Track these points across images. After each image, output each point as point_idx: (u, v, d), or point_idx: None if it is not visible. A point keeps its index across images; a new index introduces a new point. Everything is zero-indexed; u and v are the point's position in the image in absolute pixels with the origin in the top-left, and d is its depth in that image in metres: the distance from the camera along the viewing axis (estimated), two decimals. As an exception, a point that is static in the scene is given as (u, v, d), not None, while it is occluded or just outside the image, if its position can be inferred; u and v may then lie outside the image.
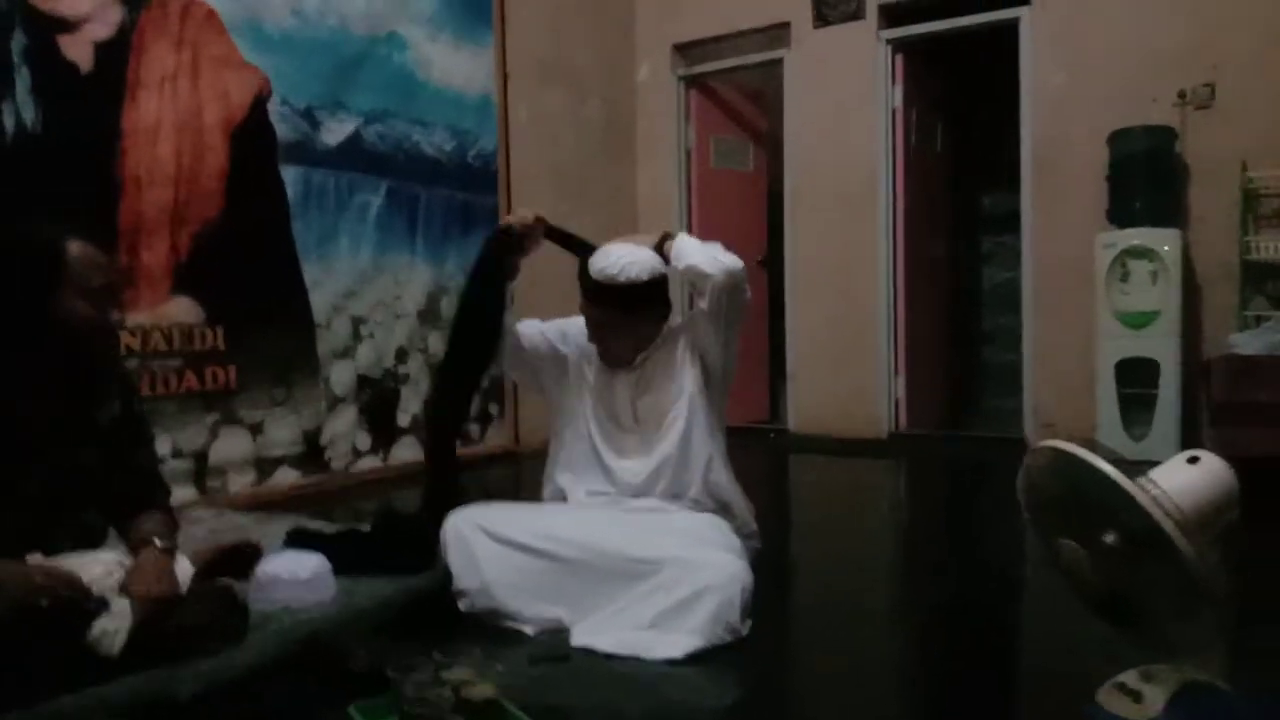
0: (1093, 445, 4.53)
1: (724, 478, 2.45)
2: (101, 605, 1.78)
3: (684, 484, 2.40)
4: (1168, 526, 1.51)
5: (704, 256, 2.33)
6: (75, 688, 1.69)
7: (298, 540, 2.64)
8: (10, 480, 1.81)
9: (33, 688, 1.65)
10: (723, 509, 2.42)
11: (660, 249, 2.41)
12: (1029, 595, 2.83)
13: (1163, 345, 4.47)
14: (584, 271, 2.44)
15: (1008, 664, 2.34)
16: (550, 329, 2.60)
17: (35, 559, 1.81)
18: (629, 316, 2.43)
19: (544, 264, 2.74)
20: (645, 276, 2.38)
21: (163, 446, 3.34)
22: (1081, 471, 1.58)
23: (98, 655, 1.75)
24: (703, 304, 2.38)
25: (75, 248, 1.82)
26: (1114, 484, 1.54)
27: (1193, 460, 1.61)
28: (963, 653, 2.30)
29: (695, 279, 2.35)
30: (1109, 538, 1.58)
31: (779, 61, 5.83)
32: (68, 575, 1.74)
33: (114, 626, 1.77)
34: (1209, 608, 1.52)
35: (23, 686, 1.64)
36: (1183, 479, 1.59)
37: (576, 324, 2.57)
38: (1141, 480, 1.58)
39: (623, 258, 2.39)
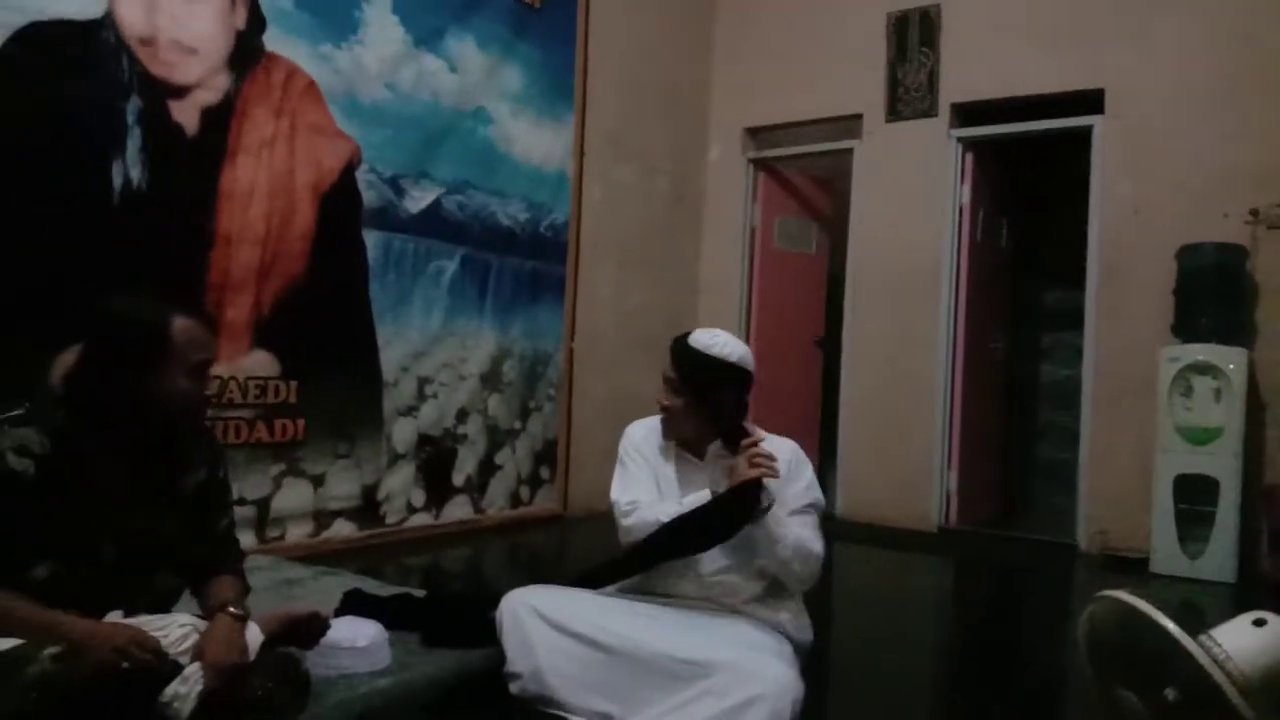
0: (1147, 566, 4.48)
1: (791, 612, 2.46)
2: (175, 669, 1.85)
3: (747, 598, 2.43)
4: (1228, 689, 1.51)
5: (792, 567, 2.34)
6: (145, 750, 1.76)
7: (354, 603, 2.72)
8: (97, 543, 1.90)
9: (106, 748, 1.72)
10: (779, 624, 2.44)
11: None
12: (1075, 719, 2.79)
13: (1224, 464, 4.41)
14: (681, 338, 2.48)
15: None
16: (643, 466, 2.55)
17: (115, 618, 1.89)
18: (701, 389, 2.41)
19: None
20: (734, 358, 2.42)
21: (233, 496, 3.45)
22: (1145, 625, 1.59)
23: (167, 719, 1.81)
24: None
25: (179, 324, 1.91)
26: (1176, 642, 1.55)
27: (1259, 623, 1.61)
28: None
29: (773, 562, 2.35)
30: (1170, 694, 1.58)
31: (849, 151, 5.92)
32: (150, 639, 1.81)
33: (185, 690, 1.82)
34: (1268, 775, 1.52)
35: (97, 746, 1.71)
36: (1247, 641, 1.59)
37: (640, 438, 2.59)
38: (1204, 639, 1.58)
39: (722, 337, 2.44)
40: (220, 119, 3.62)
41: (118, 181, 3.29)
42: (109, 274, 3.12)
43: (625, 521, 2.46)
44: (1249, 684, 1.54)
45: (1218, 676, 1.51)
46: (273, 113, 3.78)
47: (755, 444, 2.29)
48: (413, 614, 2.65)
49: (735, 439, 2.35)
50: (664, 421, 2.51)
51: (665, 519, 2.36)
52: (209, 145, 3.59)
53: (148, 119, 3.37)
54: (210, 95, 3.59)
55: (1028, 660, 3.40)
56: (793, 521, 2.34)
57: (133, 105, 3.33)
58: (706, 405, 2.43)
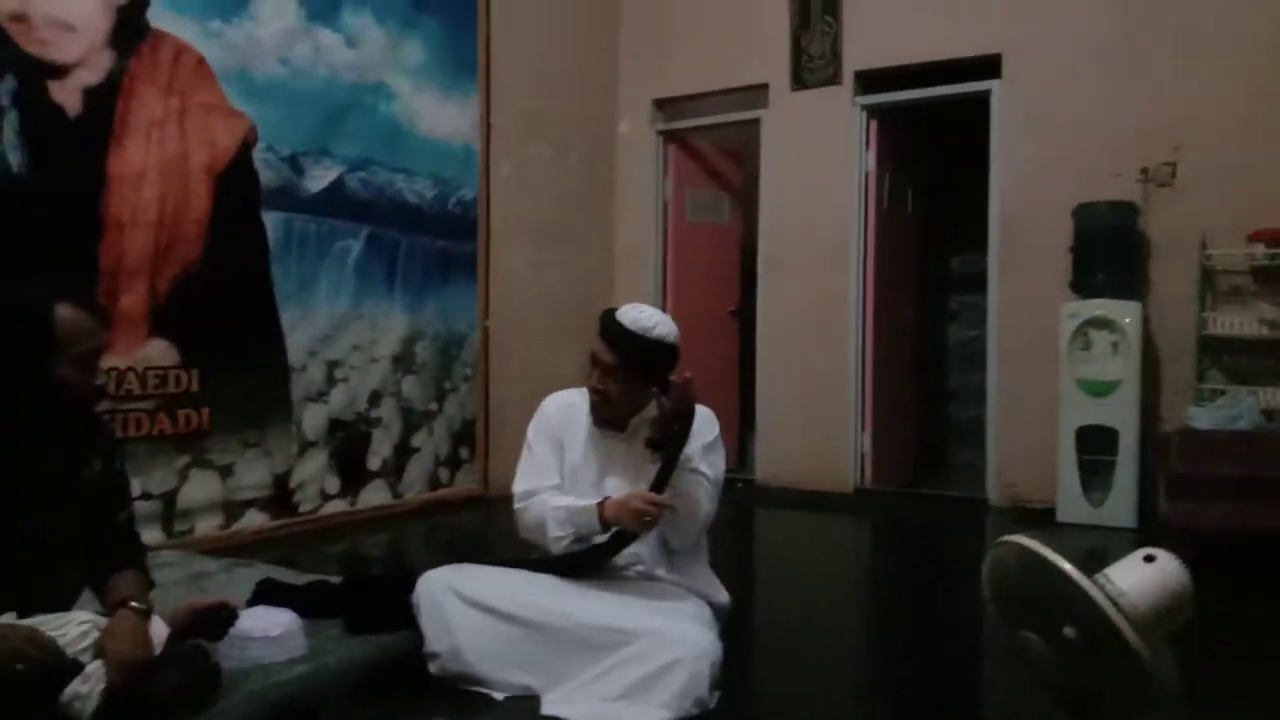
0: (1054, 515, 4.65)
1: (700, 578, 2.49)
2: (75, 668, 1.79)
3: (657, 576, 2.45)
4: (1121, 623, 1.57)
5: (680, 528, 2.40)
6: (46, 753, 1.70)
7: (267, 592, 2.66)
8: (-8, 545, 1.83)
9: (4, 753, 1.66)
10: (694, 588, 2.46)
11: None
12: (991, 669, 2.87)
13: (1122, 414, 4.58)
14: (609, 315, 2.45)
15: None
16: (550, 451, 2.56)
17: (10, 619, 1.82)
18: (634, 370, 2.40)
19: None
20: (671, 338, 2.42)
21: (132, 489, 3.34)
22: (1043, 567, 1.64)
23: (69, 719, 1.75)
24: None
25: (63, 313, 1.84)
26: (1072, 581, 1.60)
27: (1149, 559, 1.67)
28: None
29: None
30: (1069, 632, 1.64)
31: (756, 121, 5.95)
32: (45, 639, 1.75)
33: (87, 690, 1.77)
34: (1163, 704, 1.58)
35: (-6, 751, 1.65)
36: (1138, 577, 1.65)
37: (554, 413, 2.59)
38: (1098, 577, 1.64)
39: (656, 315, 2.43)
40: (105, 99, 3.47)
41: (-5, 166, 3.14)
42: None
43: (519, 518, 2.50)
44: (1142, 618, 1.60)
45: (1111, 613, 1.57)
46: (162, 92, 3.64)
47: (654, 502, 2.30)
48: (329, 600, 2.61)
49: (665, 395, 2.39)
50: (595, 405, 2.49)
51: (553, 526, 2.39)
52: (94, 127, 3.43)
53: (25, 100, 3.22)
54: (92, 75, 3.43)
55: (942, 611, 3.50)
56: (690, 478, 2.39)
57: (7, 85, 3.17)
58: (645, 386, 2.43)
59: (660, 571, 2.45)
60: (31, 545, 1.87)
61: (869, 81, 5.63)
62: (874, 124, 5.63)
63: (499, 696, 2.25)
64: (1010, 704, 2.45)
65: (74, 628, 1.85)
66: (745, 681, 2.54)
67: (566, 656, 2.21)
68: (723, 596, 2.54)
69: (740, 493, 5.74)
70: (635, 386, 2.43)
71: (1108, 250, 4.70)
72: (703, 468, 2.41)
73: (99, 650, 1.82)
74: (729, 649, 2.29)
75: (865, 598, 3.86)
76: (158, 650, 1.91)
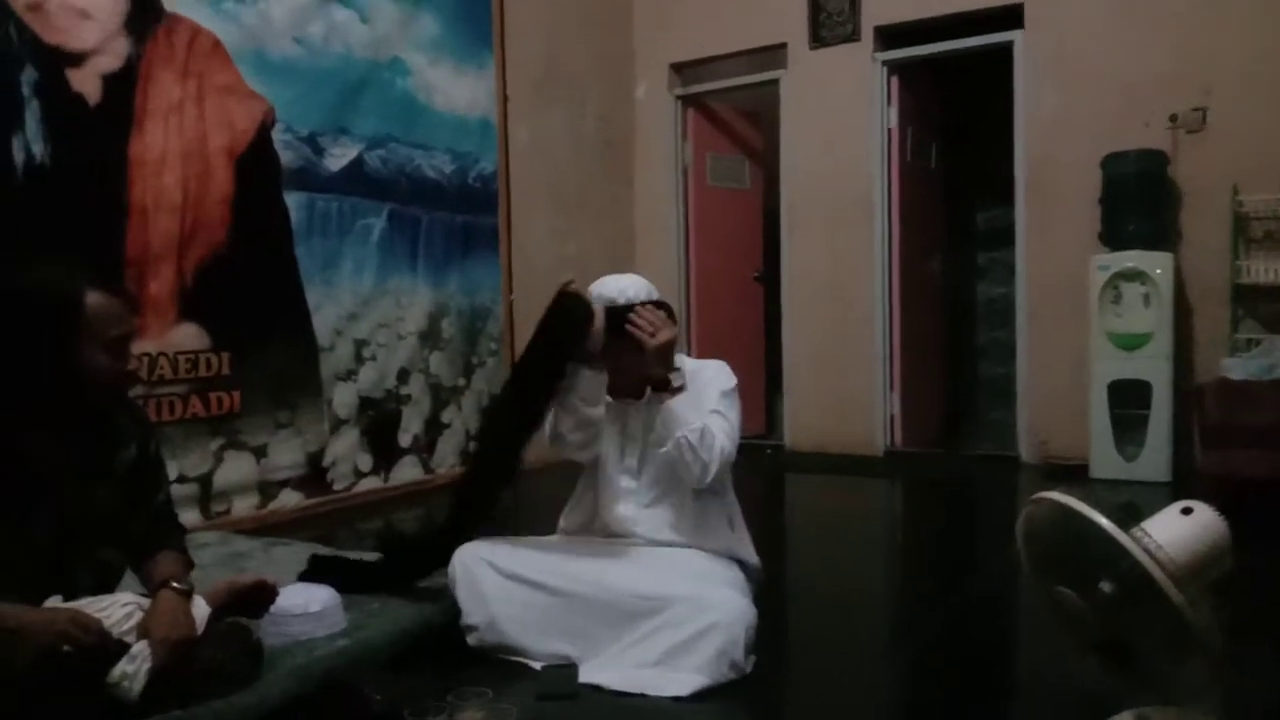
0: (1087, 471, 4.61)
1: (730, 538, 2.48)
2: (121, 649, 1.82)
3: (689, 543, 2.45)
4: (1160, 577, 1.56)
5: (689, 459, 2.31)
6: (96, 732, 1.73)
7: (319, 568, 2.66)
8: (29, 527, 1.85)
9: (55, 733, 1.69)
10: (728, 550, 2.46)
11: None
12: (1026, 626, 2.87)
13: (1155, 367, 4.52)
14: (598, 309, 2.44)
15: (1005, 696, 2.39)
16: None
17: (55, 602, 1.85)
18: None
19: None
20: (657, 294, 2.42)
21: (168, 472, 3.38)
22: (1079, 523, 1.62)
23: (117, 699, 1.79)
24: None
25: (93, 299, 1.85)
26: (1109, 536, 1.59)
27: (1186, 511, 1.65)
28: (961, 685, 2.34)
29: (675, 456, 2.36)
30: (1106, 587, 1.63)
31: (775, 81, 5.89)
32: (91, 620, 1.78)
33: (134, 669, 1.80)
34: (1202, 656, 1.57)
35: (46, 732, 1.68)
36: (1176, 530, 1.63)
37: None
38: (1135, 531, 1.62)
39: (622, 279, 2.43)
40: (123, 85, 3.47)
41: (19, 157, 3.15)
42: (18, 253, 3.00)
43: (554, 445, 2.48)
44: (1180, 570, 1.59)
45: (1149, 566, 1.55)
46: (179, 75, 3.64)
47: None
48: (369, 574, 2.63)
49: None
50: (625, 384, 2.47)
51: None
52: (114, 113, 3.44)
53: (45, 89, 3.22)
54: (110, 61, 3.44)
55: (976, 570, 3.49)
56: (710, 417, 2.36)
57: (27, 76, 3.18)
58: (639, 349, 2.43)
59: (692, 537, 2.45)
60: (69, 531, 1.90)
61: (889, 36, 5.54)
62: (895, 79, 5.55)
63: (537, 665, 2.27)
64: (1044, 661, 2.45)
65: (118, 609, 1.88)
66: (780, 645, 2.55)
67: (602, 624, 2.23)
68: (754, 560, 2.55)
69: (769, 458, 5.74)
70: (632, 352, 2.42)
71: (1137, 200, 4.62)
72: (720, 408, 2.39)
73: (143, 631, 1.85)
74: (763, 613, 2.29)
75: (898, 560, 3.86)
76: (200, 629, 1.94)
